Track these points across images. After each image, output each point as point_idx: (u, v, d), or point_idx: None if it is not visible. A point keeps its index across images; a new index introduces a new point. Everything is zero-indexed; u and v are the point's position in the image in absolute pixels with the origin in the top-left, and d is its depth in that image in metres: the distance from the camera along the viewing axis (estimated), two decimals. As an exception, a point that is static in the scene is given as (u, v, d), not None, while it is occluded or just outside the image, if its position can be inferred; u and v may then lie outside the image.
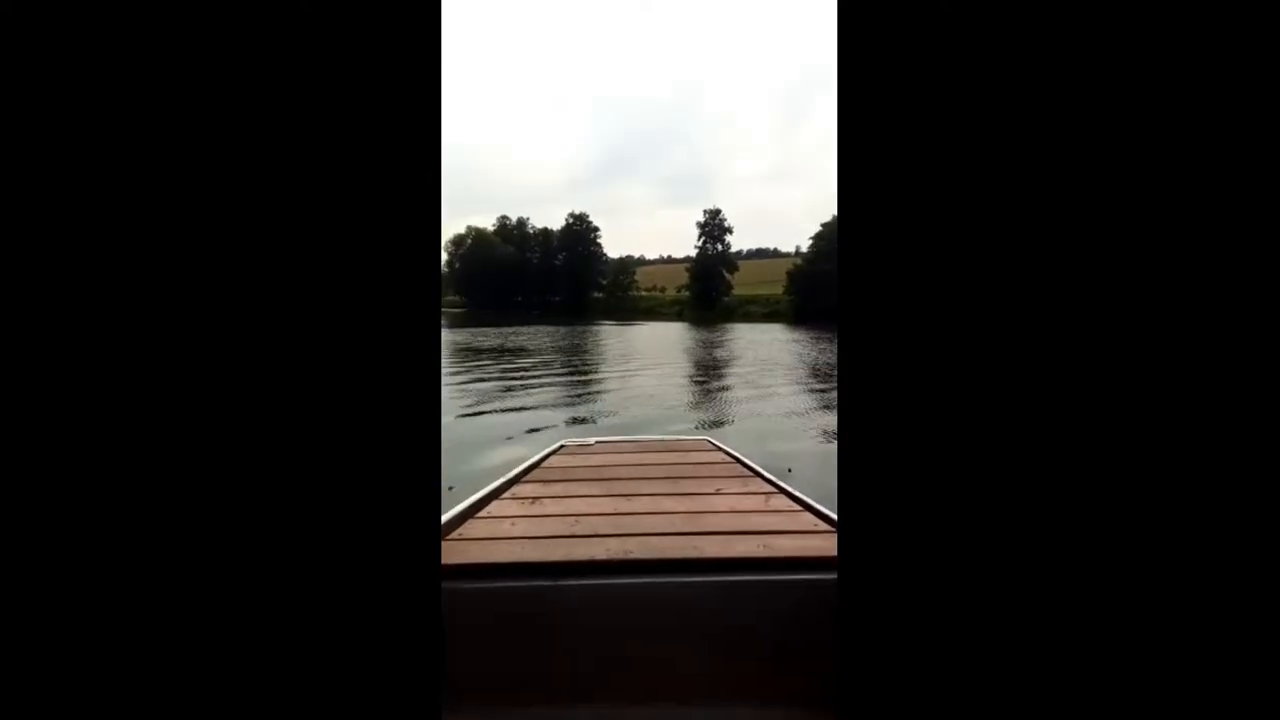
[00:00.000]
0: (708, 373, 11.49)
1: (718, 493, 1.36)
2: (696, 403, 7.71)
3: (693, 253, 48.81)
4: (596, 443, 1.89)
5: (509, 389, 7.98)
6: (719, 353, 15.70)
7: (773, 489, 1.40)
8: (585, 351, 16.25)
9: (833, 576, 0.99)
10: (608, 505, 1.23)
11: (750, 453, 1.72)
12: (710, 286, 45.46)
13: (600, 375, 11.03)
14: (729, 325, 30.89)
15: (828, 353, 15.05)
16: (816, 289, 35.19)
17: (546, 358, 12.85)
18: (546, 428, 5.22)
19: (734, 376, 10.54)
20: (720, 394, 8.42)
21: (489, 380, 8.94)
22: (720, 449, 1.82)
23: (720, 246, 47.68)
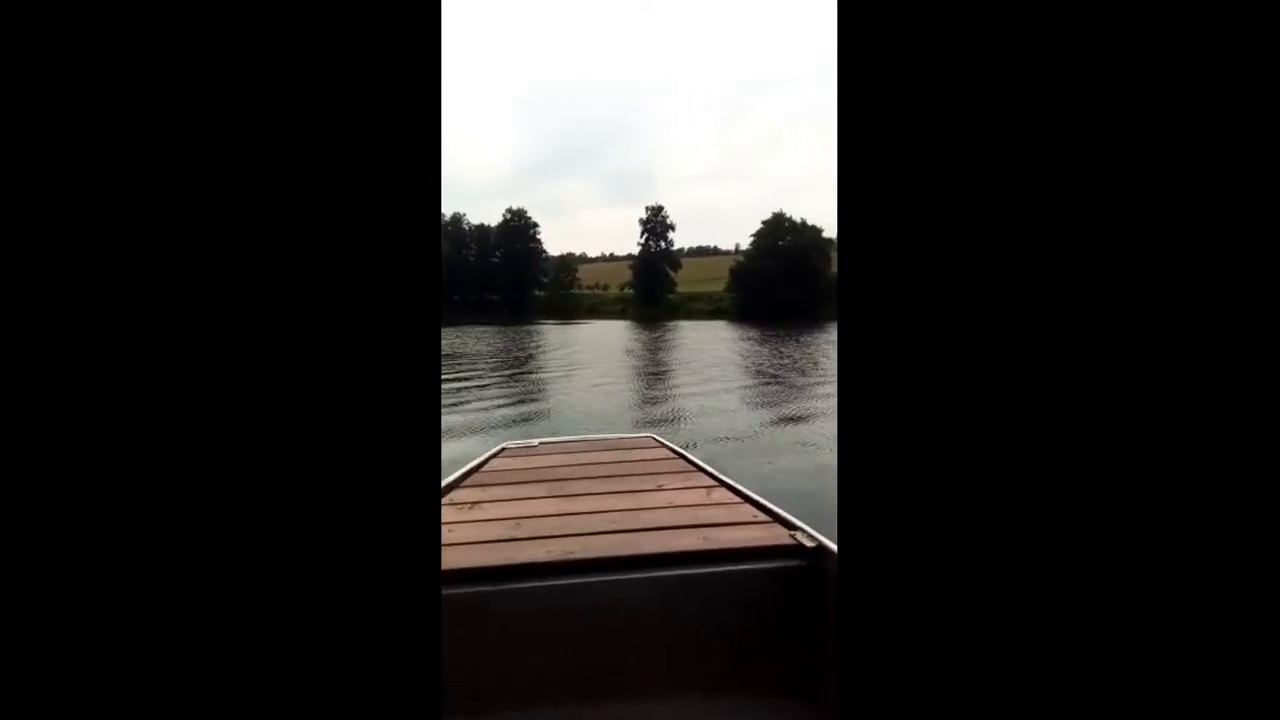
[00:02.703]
0: (661, 382, 10.77)
1: (660, 489, 1.36)
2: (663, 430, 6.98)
3: (636, 250, 48.34)
4: (540, 444, 1.84)
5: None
6: (665, 355, 15.13)
7: (714, 482, 1.40)
8: (528, 358, 15.22)
9: (773, 565, 1.07)
10: (550, 506, 1.23)
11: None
12: (654, 284, 45.13)
13: (547, 387, 10.09)
14: (674, 323, 30.58)
15: (785, 352, 14.81)
16: (758, 286, 35.55)
17: (479, 369, 11.74)
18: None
19: (703, 392, 9.79)
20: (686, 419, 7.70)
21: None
22: (664, 445, 1.82)
23: (663, 244, 47.44)
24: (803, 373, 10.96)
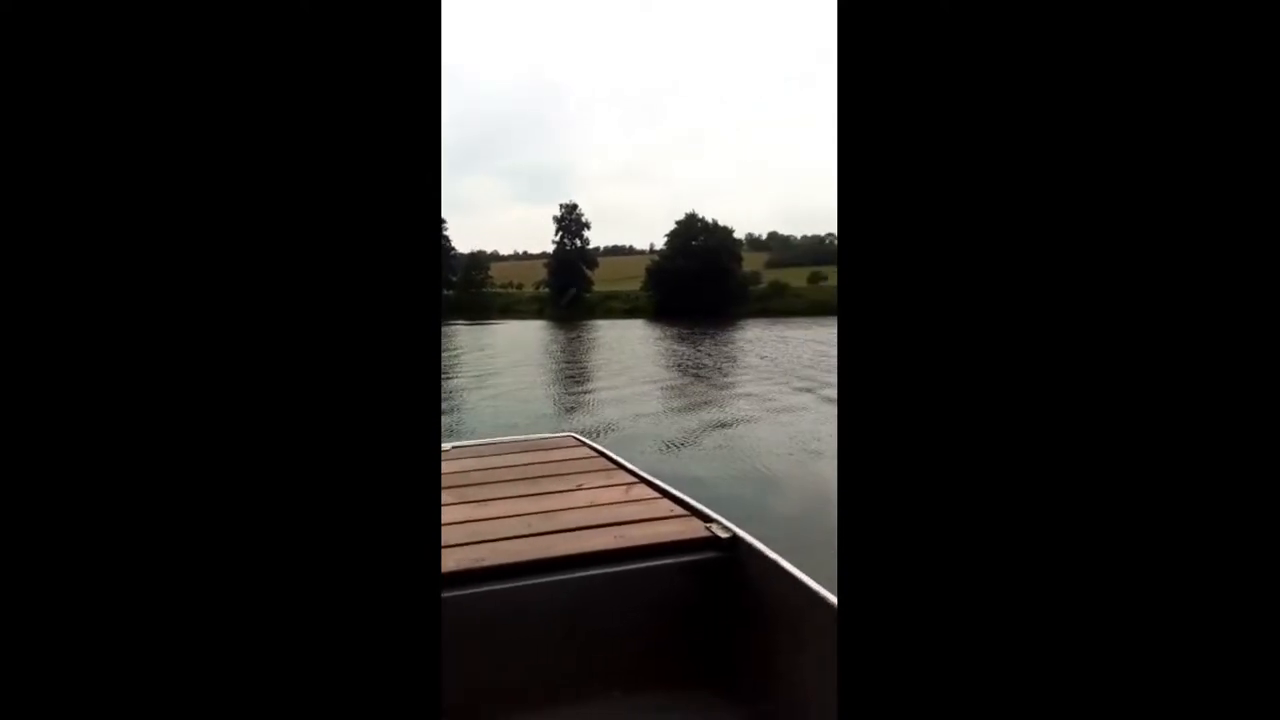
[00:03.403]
0: (580, 389, 10.40)
1: (579, 488, 1.36)
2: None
3: (550, 248, 47.33)
4: (452, 448, 1.80)
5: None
6: (588, 356, 14.79)
7: (634, 479, 1.43)
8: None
9: (689, 559, 1.08)
10: (459, 514, 1.20)
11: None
12: (570, 283, 44.43)
13: (456, 396, 9.39)
14: (592, 322, 30.20)
15: (705, 350, 14.93)
16: (674, 286, 36.01)
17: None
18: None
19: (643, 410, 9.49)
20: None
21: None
22: (584, 443, 1.80)
23: (579, 242, 46.78)
24: (722, 372, 11.04)
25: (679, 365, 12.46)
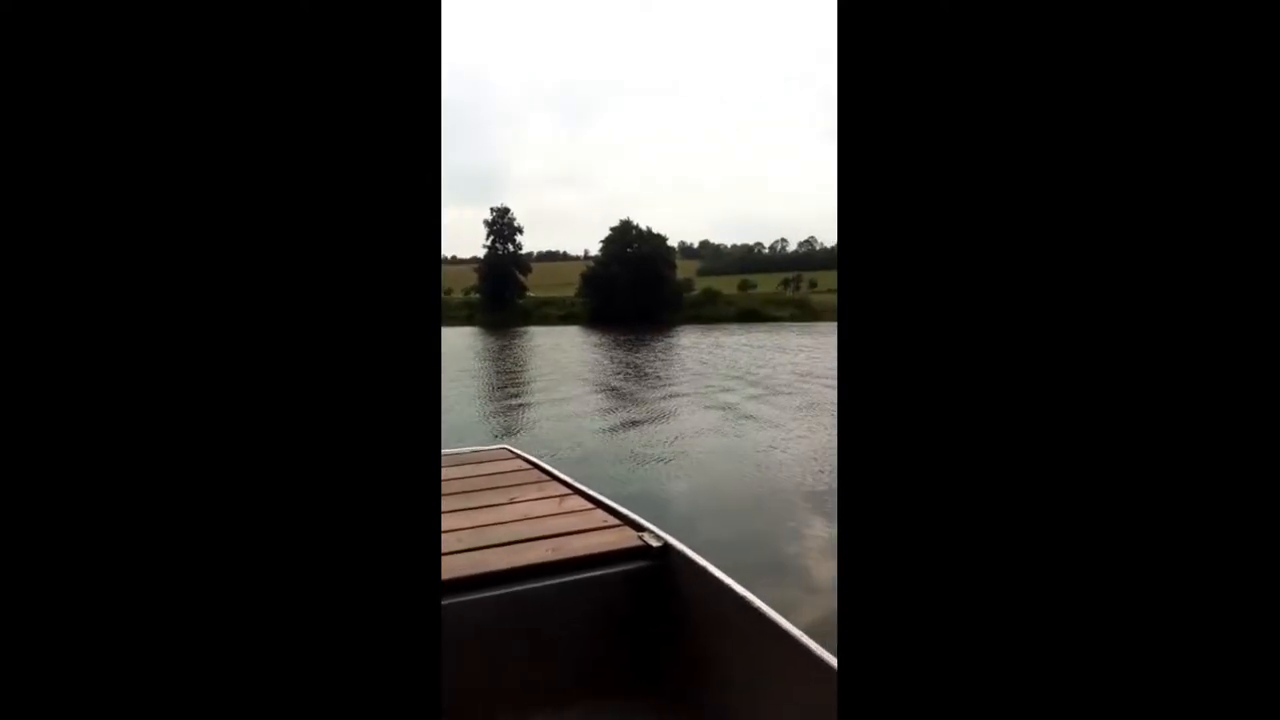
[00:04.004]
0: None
1: (512, 501, 1.37)
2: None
3: (481, 253, 46.01)
4: None
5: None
6: (522, 364, 14.47)
7: (568, 490, 1.45)
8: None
9: (622, 568, 1.08)
10: None
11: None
12: (503, 288, 43.37)
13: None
14: (527, 329, 29.63)
15: (642, 356, 14.99)
16: (610, 292, 36.02)
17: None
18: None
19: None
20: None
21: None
22: (518, 456, 1.80)
23: (511, 247, 45.79)
24: (659, 378, 11.14)
25: (631, 374, 12.45)
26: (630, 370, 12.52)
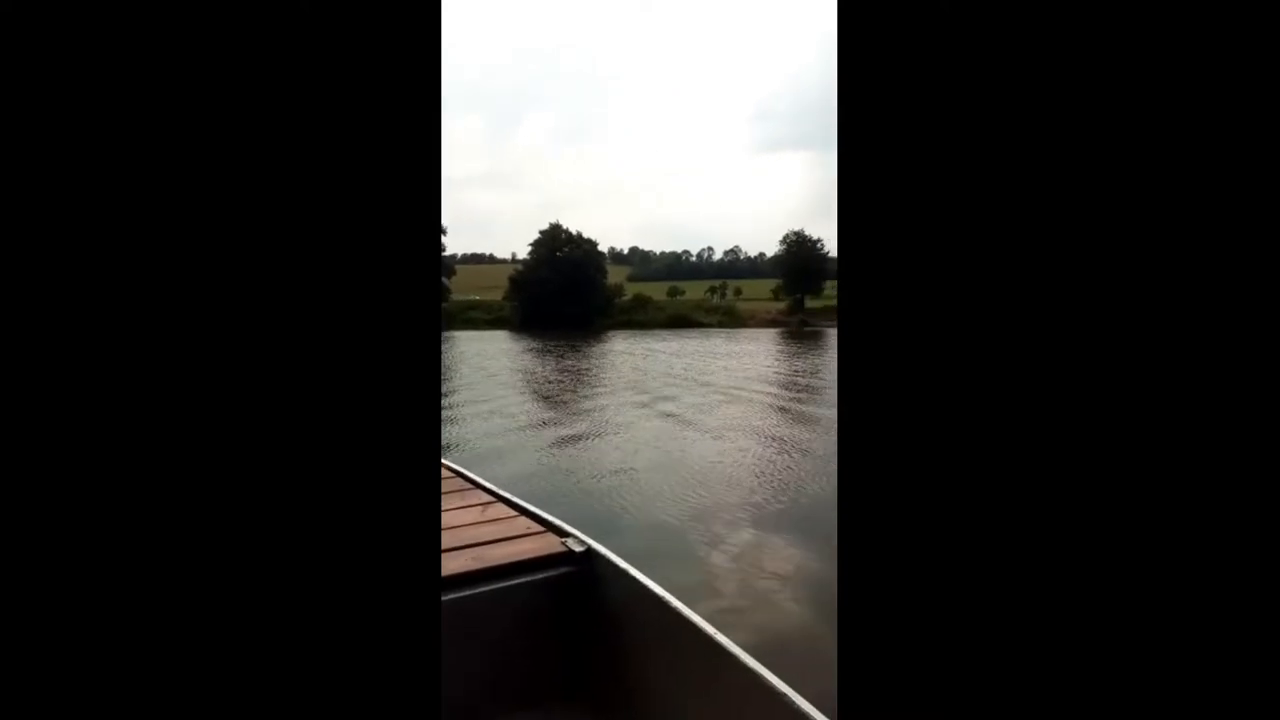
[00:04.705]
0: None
1: None
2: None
3: (402, 253, 43.59)
4: None
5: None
6: (449, 371, 13.84)
7: (491, 498, 1.45)
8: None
9: (545, 575, 1.09)
10: None
11: None
12: (425, 291, 41.25)
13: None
14: (452, 333, 28.45)
15: (576, 364, 14.75)
16: (540, 296, 35.37)
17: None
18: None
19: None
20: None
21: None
22: (441, 464, 1.82)
23: (434, 248, 43.78)
24: (590, 386, 11.01)
25: (568, 381, 12.19)
26: (568, 377, 12.29)
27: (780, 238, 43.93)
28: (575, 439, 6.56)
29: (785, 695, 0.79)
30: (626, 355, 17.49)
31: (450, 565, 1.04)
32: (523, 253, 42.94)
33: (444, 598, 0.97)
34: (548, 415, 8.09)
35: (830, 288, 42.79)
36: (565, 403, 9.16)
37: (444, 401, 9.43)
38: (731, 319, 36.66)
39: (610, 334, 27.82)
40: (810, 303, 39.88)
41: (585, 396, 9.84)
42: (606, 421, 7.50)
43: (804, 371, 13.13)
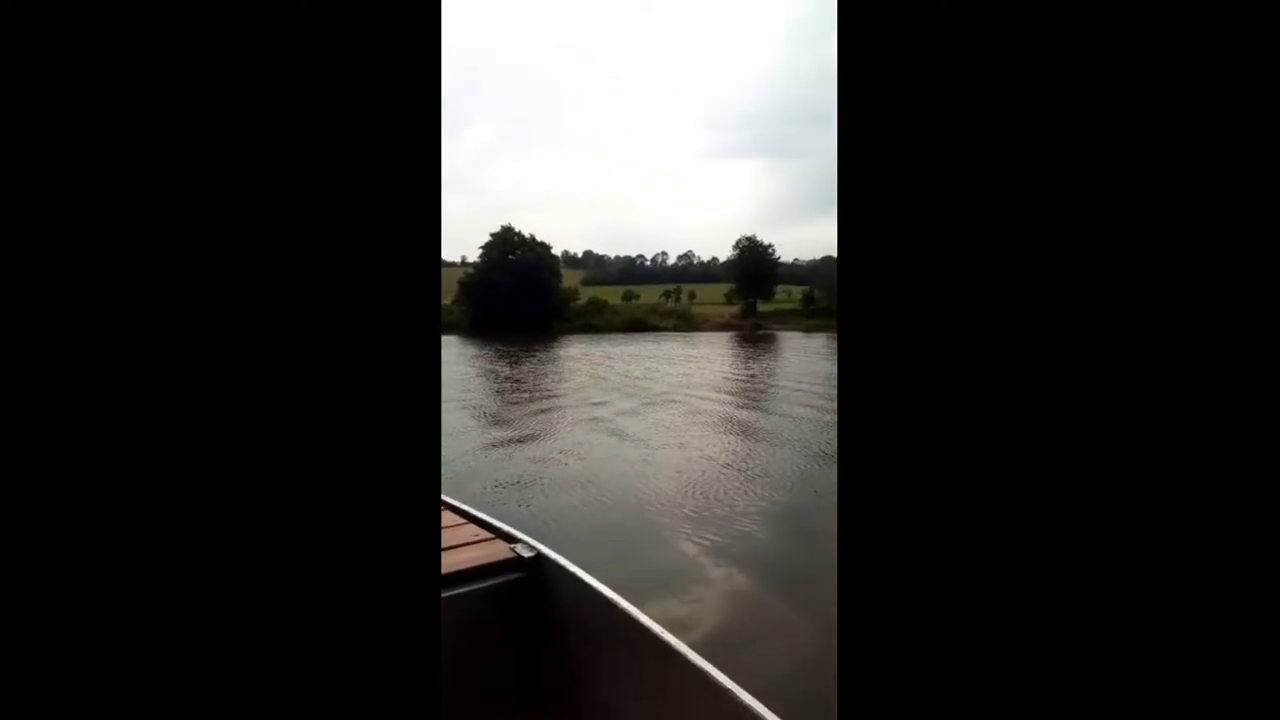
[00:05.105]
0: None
1: None
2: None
3: (344, 254, 41.64)
4: None
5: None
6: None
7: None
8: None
9: (494, 582, 1.10)
10: None
11: None
12: (370, 294, 39.53)
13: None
14: (399, 339, 27.19)
15: (534, 370, 14.34)
16: (492, 300, 34.56)
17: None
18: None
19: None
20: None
21: None
22: None
23: (380, 249, 42.05)
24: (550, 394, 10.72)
25: (505, 389, 11.80)
26: (515, 386, 11.92)
27: (733, 243, 44.70)
28: (522, 483, 5.13)
29: (733, 693, 0.80)
30: (583, 358, 17.22)
31: None
32: (473, 256, 41.94)
33: None
34: (497, 435, 7.76)
35: (780, 291, 43.79)
36: (512, 421, 8.83)
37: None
38: (686, 323, 36.94)
39: (566, 338, 27.41)
40: (762, 306, 40.70)
41: (537, 415, 9.54)
42: (565, 453, 6.30)
43: (760, 374, 13.25)
